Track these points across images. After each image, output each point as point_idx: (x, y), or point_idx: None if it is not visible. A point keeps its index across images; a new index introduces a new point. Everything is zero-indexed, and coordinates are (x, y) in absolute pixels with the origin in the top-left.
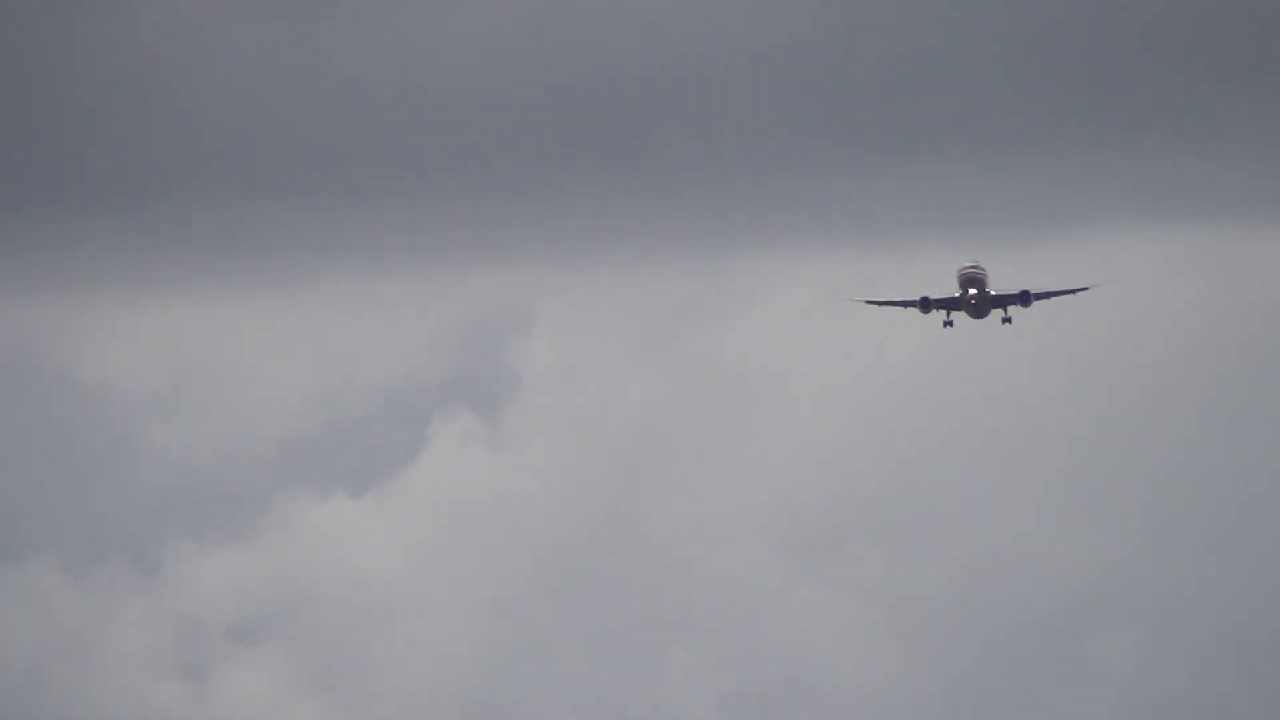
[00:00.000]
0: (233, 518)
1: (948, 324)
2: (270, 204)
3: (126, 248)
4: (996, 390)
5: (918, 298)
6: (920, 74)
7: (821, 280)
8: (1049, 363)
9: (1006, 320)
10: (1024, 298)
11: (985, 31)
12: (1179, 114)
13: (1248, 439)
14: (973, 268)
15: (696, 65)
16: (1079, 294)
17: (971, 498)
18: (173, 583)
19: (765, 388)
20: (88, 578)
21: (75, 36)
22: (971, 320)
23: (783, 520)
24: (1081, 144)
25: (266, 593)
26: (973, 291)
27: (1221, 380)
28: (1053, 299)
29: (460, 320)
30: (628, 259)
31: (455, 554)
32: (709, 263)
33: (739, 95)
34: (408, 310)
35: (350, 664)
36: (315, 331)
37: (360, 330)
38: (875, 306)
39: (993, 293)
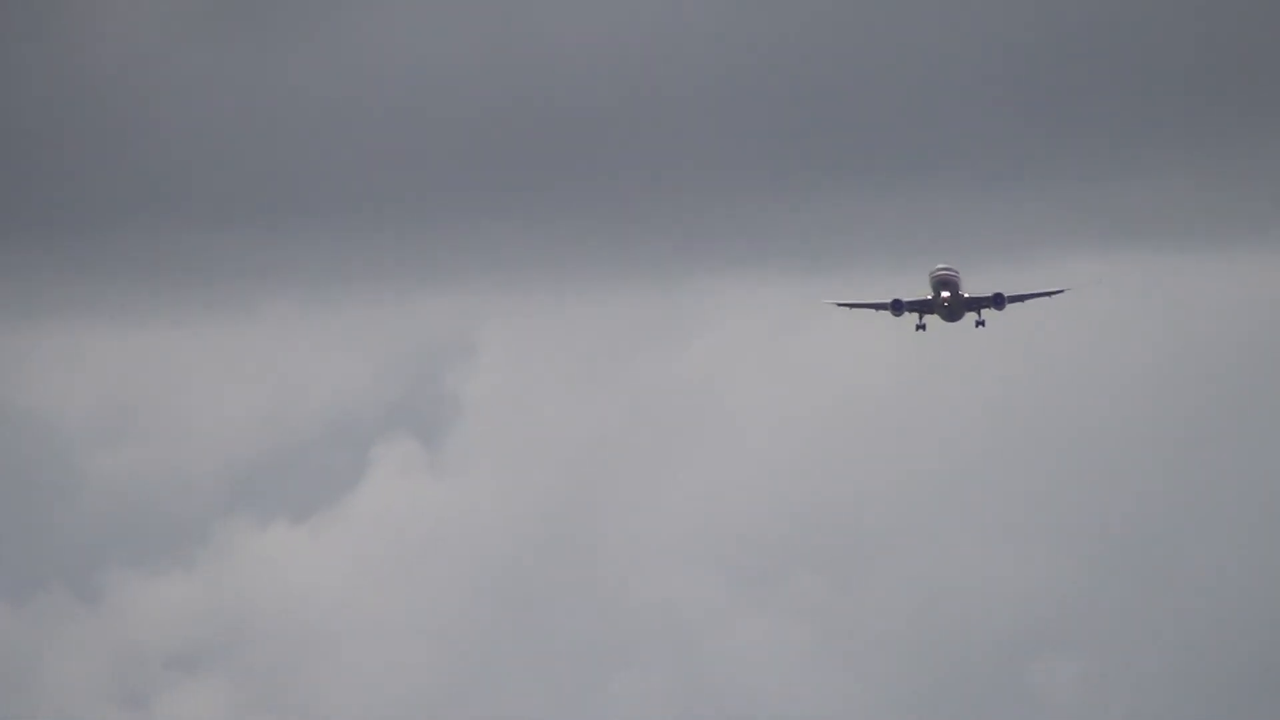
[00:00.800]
0: (174, 544)
1: (920, 327)
2: (211, 230)
3: (67, 275)
4: (951, 413)
5: (889, 300)
6: (874, 101)
7: (770, 307)
8: (1010, 379)
9: (980, 324)
10: (997, 300)
11: (940, 59)
12: (1134, 141)
13: (1215, 460)
14: (945, 269)
15: (644, 92)
16: (1054, 296)
17: (925, 522)
18: (114, 610)
19: (709, 414)
20: (29, 604)
21: (18, 64)
22: (944, 323)
23: (729, 546)
24: (1040, 169)
25: (208, 620)
26: (945, 294)
27: (1189, 399)
28: (1027, 301)
29: (403, 346)
30: (571, 284)
31: (398, 580)
32: (653, 288)
33: (687, 121)
34: (350, 336)
35: (293, 691)
36: (257, 358)
37: (302, 356)
38: (846, 309)
39: (966, 295)
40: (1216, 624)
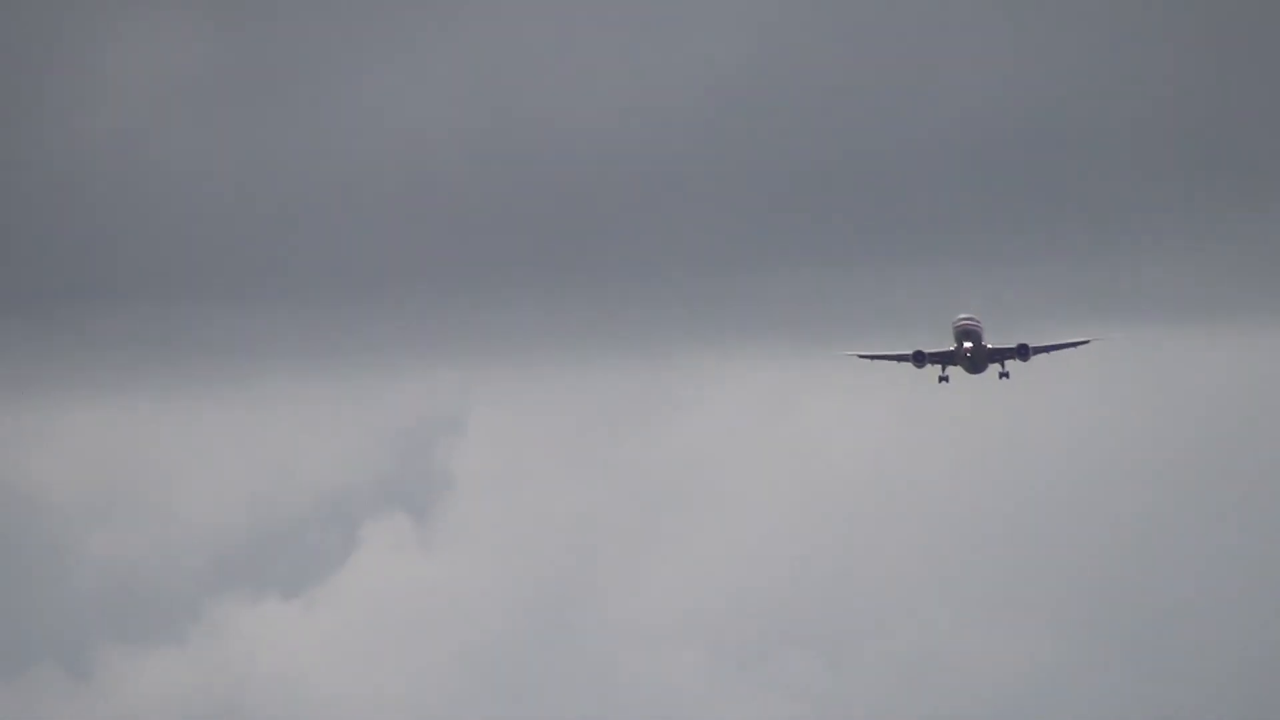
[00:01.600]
0: (166, 621)
1: (943, 379)
2: (202, 306)
3: (57, 351)
4: (958, 482)
5: (910, 351)
6: (858, 175)
7: (759, 382)
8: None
9: (1004, 375)
10: (1022, 351)
11: (922, 132)
12: (1117, 218)
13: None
14: (967, 319)
15: (633, 167)
16: (1079, 348)
17: (915, 601)
18: (106, 687)
19: (701, 490)
20: (19, 683)
21: (7, 139)
22: (967, 375)
23: (720, 625)
24: (1022, 245)
25: (200, 697)
26: (968, 345)
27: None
28: (1052, 353)
29: (393, 422)
30: (562, 360)
31: (389, 656)
32: (644, 363)
33: (676, 196)
34: (340, 412)
35: None
36: (248, 434)
37: (293, 432)
38: (868, 361)
39: (989, 346)
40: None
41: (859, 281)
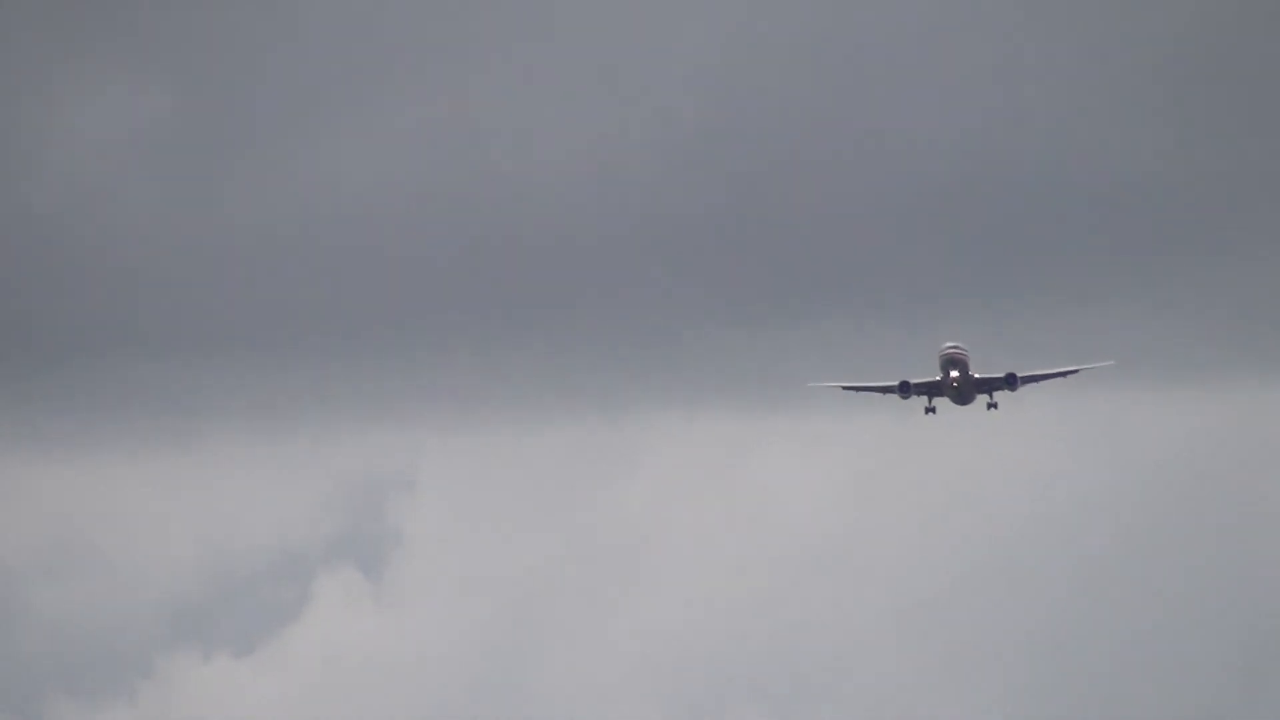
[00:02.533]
0: (117, 678)
1: (930, 410)
2: (152, 363)
3: (4, 407)
4: (901, 544)
5: (896, 382)
6: (807, 233)
7: (711, 440)
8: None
9: (992, 405)
10: (1010, 381)
11: (866, 191)
12: (1066, 272)
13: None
14: (953, 348)
15: (585, 226)
16: (1069, 377)
17: (875, 658)
18: None
19: (654, 547)
20: None
21: None
22: (955, 406)
23: (670, 682)
24: (964, 300)
25: None
26: (954, 374)
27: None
28: (1042, 383)
29: (345, 479)
30: (513, 417)
31: (340, 713)
32: (597, 420)
33: (627, 254)
34: (292, 469)
35: None
36: (199, 491)
37: (244, 489)
38: (852, 392)
39: (976, 375)
40: None
41: (819, 337)
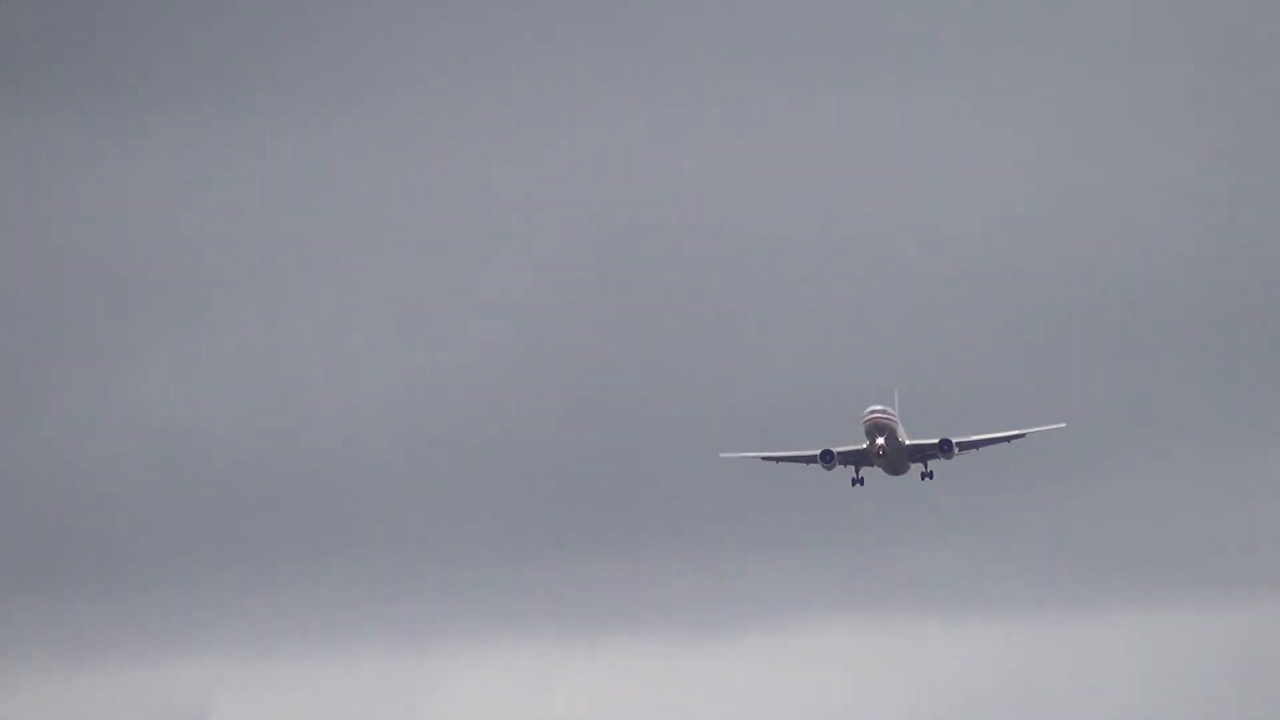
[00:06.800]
0: None
1: (857, 482)
2: None
3: None
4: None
5: (818, 450)
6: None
7: (512, 669)
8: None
9: (927, 475)
10: (945, 447)
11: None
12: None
13: None
14: (877, 412)
15: (392, 453)
16: (1012, 442)
17: None
18: None
19: None
20: None
21: None
22: (887, 476)
23: None
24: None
25: None
26: (880, 441)
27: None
28: (983, 449)
29: (143, 712)
30: (311, 647)
31: None
32: (405, 649)
33: (432, 482)
34: (89, 703)
35: None
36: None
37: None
38: (772, 463)
39: (907, 442)
40: None
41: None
